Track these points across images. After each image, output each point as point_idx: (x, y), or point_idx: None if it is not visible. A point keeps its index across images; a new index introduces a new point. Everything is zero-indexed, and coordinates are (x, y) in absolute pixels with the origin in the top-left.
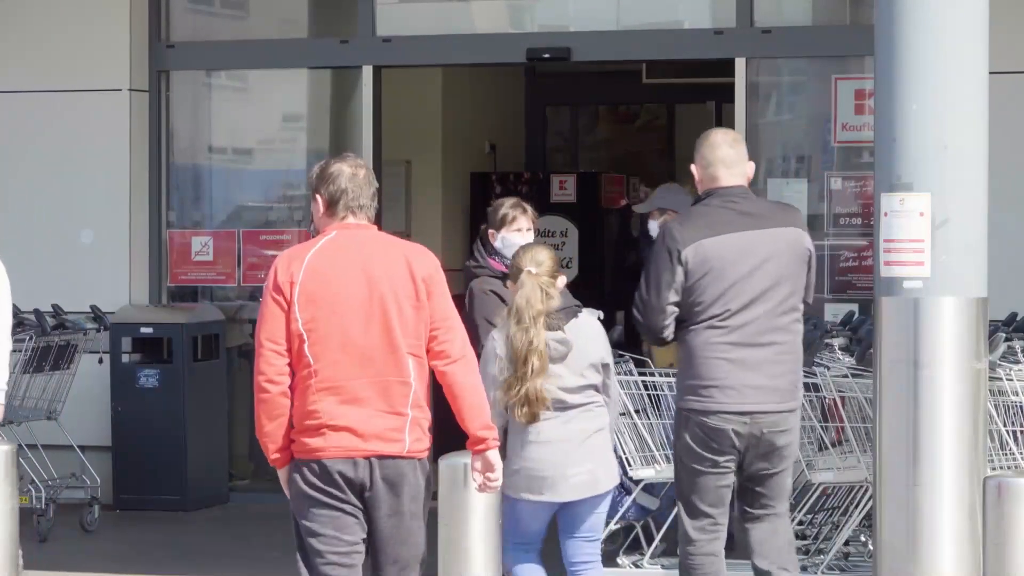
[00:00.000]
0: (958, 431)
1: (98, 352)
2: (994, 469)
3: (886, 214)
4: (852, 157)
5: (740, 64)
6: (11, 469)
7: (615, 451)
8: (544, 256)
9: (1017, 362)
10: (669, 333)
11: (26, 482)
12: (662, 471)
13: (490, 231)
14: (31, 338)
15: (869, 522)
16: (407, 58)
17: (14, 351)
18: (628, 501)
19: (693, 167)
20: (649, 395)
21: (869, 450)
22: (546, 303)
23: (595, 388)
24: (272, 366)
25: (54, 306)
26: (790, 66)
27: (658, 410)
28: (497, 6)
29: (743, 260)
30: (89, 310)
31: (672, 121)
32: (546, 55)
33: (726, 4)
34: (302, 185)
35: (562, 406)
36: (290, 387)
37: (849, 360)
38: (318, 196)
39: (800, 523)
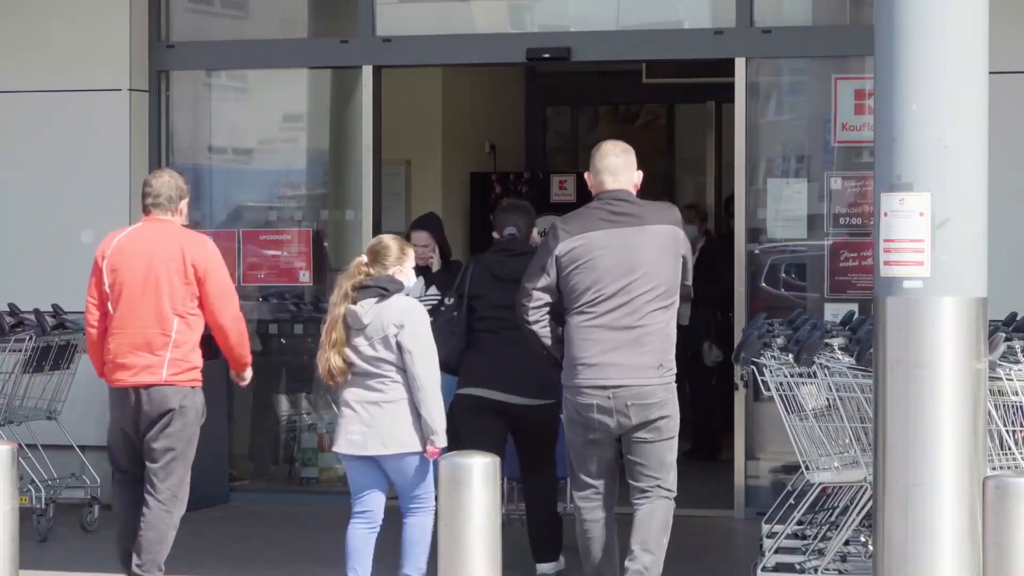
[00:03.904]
0: (958, 431)
1: None
2: (994, 469)
3: (886, 214)
4: (852, 157)
5: (740, 64)
6: (11, 469)
7: None
8: (386, 246)
9: (1017, 362)
10: (532, 316)
11: (26, 482)
12: None
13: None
14: (31, 338)
15: (869, 522)
16: (407, 58)
17: (14, 351)
18: None
19: (587, 175)
20: None
21: (869, 450)
22: (356, 281)
23: (391, 363)
24: (92, 315)
25: (54, 306)
26: (790, 66)
27: None
28: (497, 6)
29: (611, 254)
30: None
31: (672, 121)
32: (546, 55)
33: (726, 4)
34: (302, 185)
35: (358, 371)
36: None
37: (849, 360)
38: None
39: (800, 523)
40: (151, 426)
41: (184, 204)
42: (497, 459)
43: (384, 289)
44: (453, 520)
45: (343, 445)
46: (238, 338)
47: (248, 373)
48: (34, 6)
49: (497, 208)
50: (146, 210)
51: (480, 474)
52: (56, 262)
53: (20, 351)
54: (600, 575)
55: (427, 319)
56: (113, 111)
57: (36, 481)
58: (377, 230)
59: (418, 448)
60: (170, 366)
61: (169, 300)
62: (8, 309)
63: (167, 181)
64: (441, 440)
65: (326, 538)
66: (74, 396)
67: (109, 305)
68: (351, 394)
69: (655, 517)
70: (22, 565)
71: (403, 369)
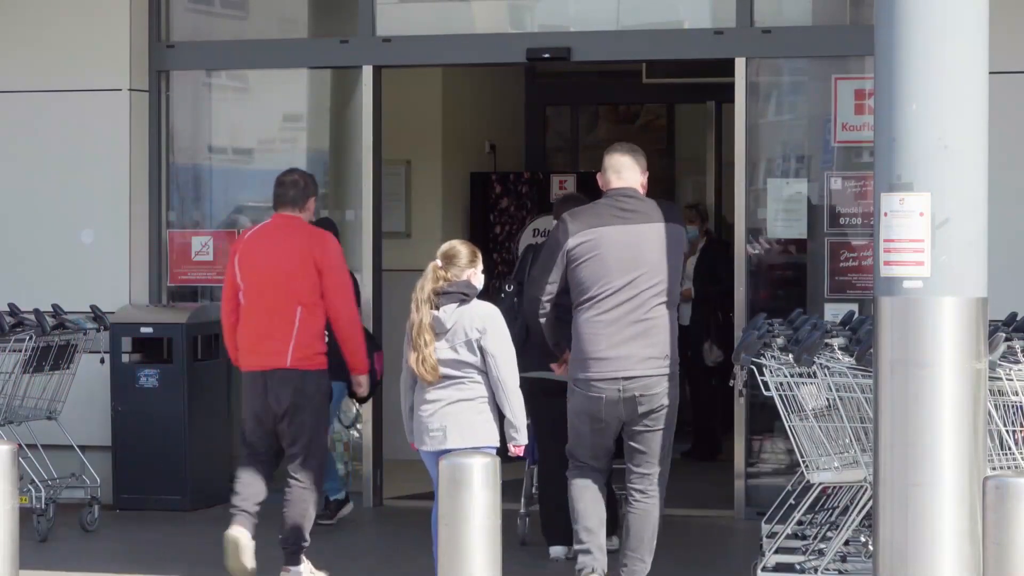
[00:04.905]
0: (958, 431)
1: (98, 352)
2: (994, 469)
3: (886, 214)
4: (852, 157)
5: (740, 64)
6: (11, 469)
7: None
8: (457, 251)
9: (1017, 362)
10: (544, 308)
11: (26, 482)
12: None
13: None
14: (31, 338)
15: (869, 522)
16: (407, 58)
17: (14, 351)
18: None
19: (598, 174)
20: None
21: (869, 450)
22: (437, 287)
23: (472, 365)
24: (226, 306)
25: (54, 306)
26: (790, 66)
27: None
28: (497, 6)
29: (618, 250)
30: (89, 310)
31: (672, 121)
32: (546, 55)
33: (726, 4)
34: None
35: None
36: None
37: (849, 360)
38: None
39: (800, 523)
40: (280, 409)
41: (311, 202)
42: (497, 459)
43: (464, 294)
44: (453, 520)
45: (426, 442)
46: (348, 329)
47: (363, 379)
48: (34, 6)
49: (557, 199)
50: (275, 206)
51: (480, 474)
52: (56, 262)
53: (20, 351)
54: (589, 531)
55: (505, 323)
56: (113, 111)
57: (36, 481)
58: (377, 230)
59: (493, 443)
60: (295, 351)
61: (292, 290)
62: (8, 309)
63: (295, 180)
64: (523, 438)
65: (326, 537)
66: (74, 396)
67: (240, 296)
68: (431, 394)
69: (648, 524)
70: (22, 565)
71: (482, 370)
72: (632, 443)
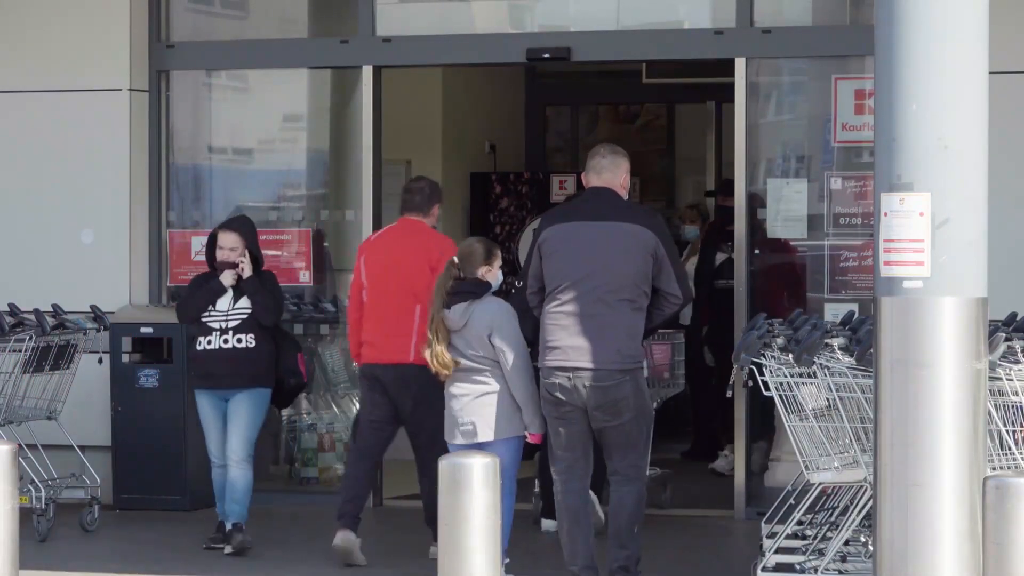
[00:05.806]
0: (958, 431)
1: (98, 352)
2: (994, 469)
3: (886, 214)
4: (852, 157)
5: (740, 64)
6: (11, 469)
7: None
8: (473, 249)
9: (1017, 362)
10: (532, 301)
11: (26, 482)
12: None
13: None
14: (31, 338)
15: (869, 522)
16: (407, 58)
17: (14, 351)
18: None
19: (582, 174)
20: None
21: (869, 450)
22: (449, 286)
23: (490, 359)
24: (352, 303)
25: (54, 306)
26: (790, 66)
27: None
28: (497, 6)
29: (576, 246)
30: (89, 310)
31: (672, 121)
32: (546, 55)
33: (726, 4)
34: (302, 185)
35: (460, 368)
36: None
37: (849, 360)
38: None
39: (800, 523)
40: (406, 407)
41: (436, 208)
42: (497, 459)
43: (475, 293)
44: (453, 520)
45: (457, 436)
46: None
47: None
48: (34, 6)
49: None
50: (401, 211)
51: (480, 474)
52: (56, 262)
53: (20, 351)
54: (572, 544)
55: (515, 318)
56: (113, 111)
57: (36, 481)
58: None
59: (521, 432)
60: (417, 348)
61: (409, 289)
62: (8, 309)
63: (421, 187)
64: (536, 427)
65: (326, 538)
66: (74, 396)
67: (363, 295)
68: (457, 388)
69: (623, 510)
70: (22, 565)
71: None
72: (601, 439)
